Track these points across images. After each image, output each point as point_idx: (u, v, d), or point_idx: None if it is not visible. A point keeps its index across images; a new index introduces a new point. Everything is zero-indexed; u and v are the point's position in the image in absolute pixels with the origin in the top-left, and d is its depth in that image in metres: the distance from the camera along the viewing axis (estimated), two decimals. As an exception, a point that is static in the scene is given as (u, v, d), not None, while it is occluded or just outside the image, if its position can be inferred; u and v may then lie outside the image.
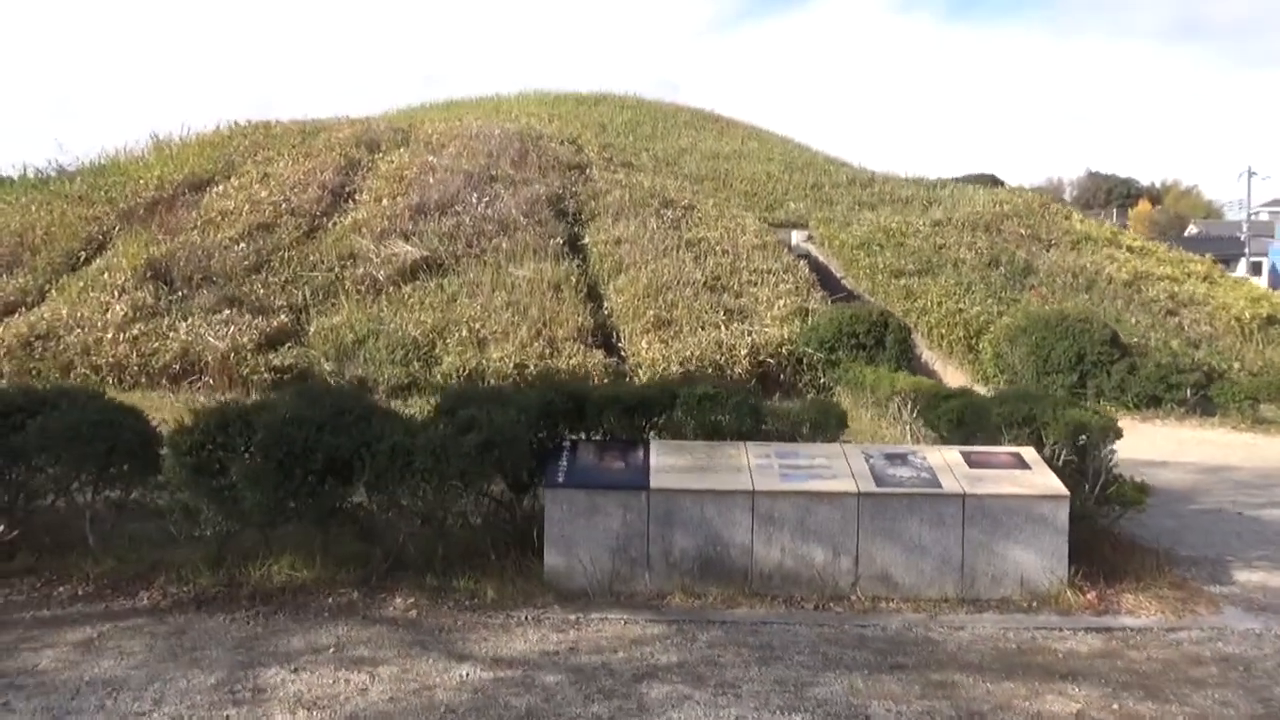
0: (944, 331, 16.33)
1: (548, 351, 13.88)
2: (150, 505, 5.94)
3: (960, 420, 7.13)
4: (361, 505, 5.31)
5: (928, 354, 15.99)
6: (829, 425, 5.98)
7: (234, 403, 5.58)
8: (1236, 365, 15.34)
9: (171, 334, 13.84)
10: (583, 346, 14.18)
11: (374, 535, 5.47)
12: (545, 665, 4.26)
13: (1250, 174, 67.17)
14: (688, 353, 13.82)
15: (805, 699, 3.93)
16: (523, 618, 4.87)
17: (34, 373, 13.76)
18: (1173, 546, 6.24)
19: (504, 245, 17.32)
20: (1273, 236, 62.04)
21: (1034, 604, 5.10)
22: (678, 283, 16.30)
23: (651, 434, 5.96)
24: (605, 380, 13.50)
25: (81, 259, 17.05)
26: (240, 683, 4.04)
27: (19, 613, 4.89)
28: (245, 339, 13.60)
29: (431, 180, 19.34)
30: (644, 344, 14.31)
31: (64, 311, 14.61)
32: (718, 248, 17.99)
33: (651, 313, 15.19)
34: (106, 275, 15.63)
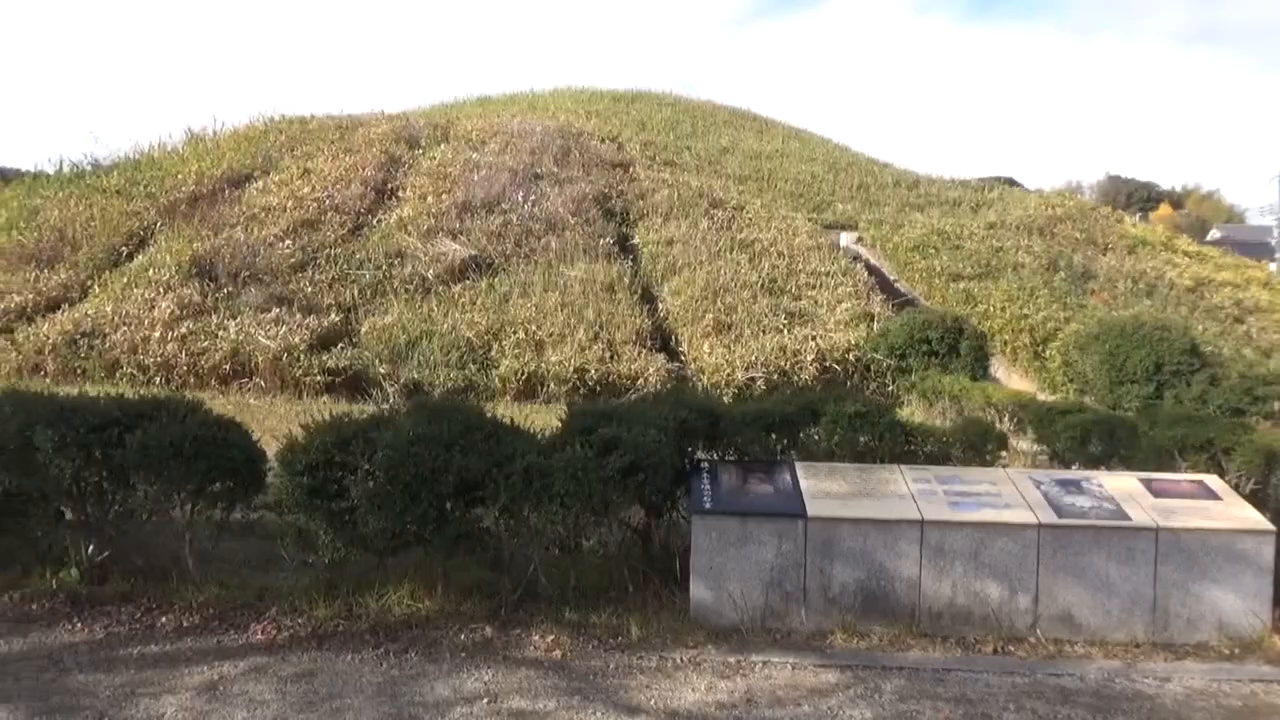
0: (1008, 338, 15.82)
1: (607, 355, 13.42)
2: (251, 525, 5.50)
3: (1084, 439, 6.65)
4: (487, 529, 4.85)
5: (990, 361, 15.46)
6: (986, 446, 5.50)
7: (347, 418, 5.12)
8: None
9: (221, 333, 13.45)
10: (643, 350, 13.73)
11: (499, 562, 5.02)
12: (724, 721, 3.81)
13: (1281, 178, 66.26)
14: (752, 358, 13.35)
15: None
16: (679, 660, 4.41)
17: (79, 371, 13.43)
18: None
19: (553, 245, 16.88)
20: (1294, 242, 61.25)
21: (1236, 651, 4.62)
22: (735, 285, 15.84)
23: (789, 454, 5.49)
24: (667, 386, 13.05)
25: (124, 255, 16.69)
26: (393, 739, 3.59)
27: (124, 648, 4.46)
28: (297, 339, 13.20)
29: (476, 177, 18.92)
30: (705, 348, 13.85)
31: (108, 308, 14.24)
32: (772, 250, 17.51)
33: (710, 316, 14.73)
34: (151, 272, 15.26)
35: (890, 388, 13.58)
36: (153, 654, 4.39)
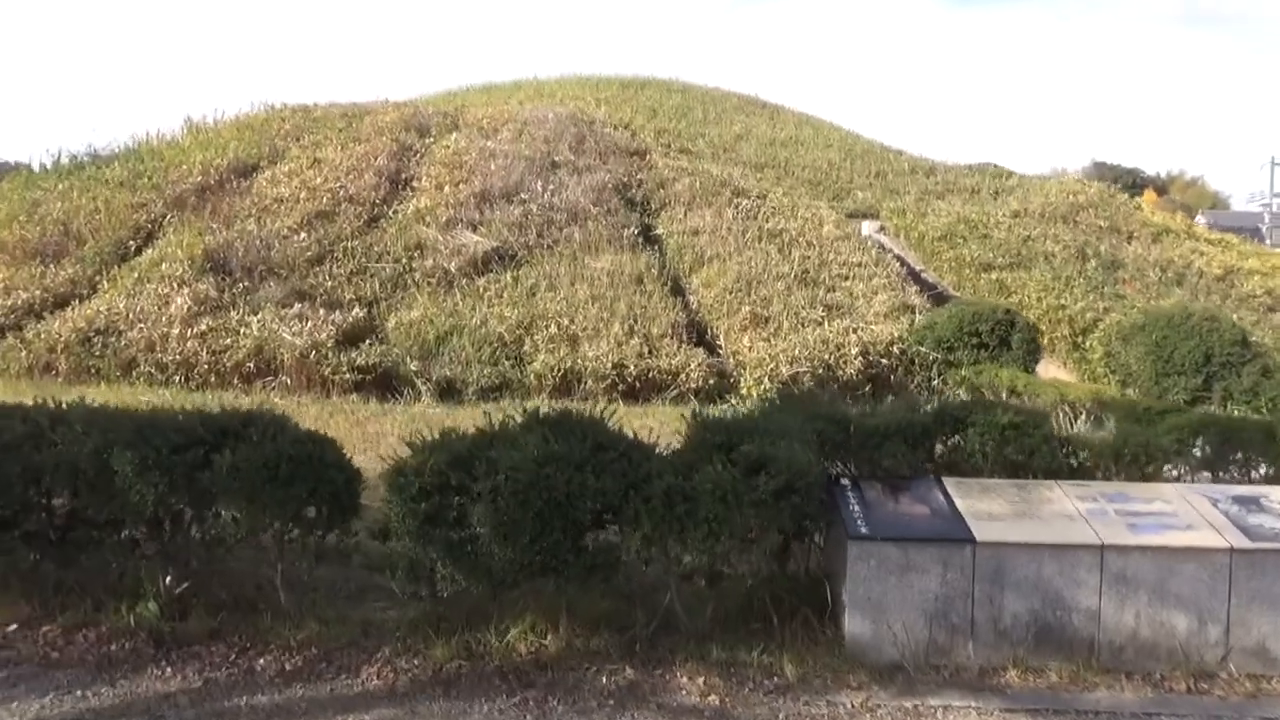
0: (1045, 329, 15.45)
1: (645, 350, 12.95)
2: (341, 550, 5.02)
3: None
4: (616, 557, 4.39)
5: (1041, 354, 15.11)
6: (1145, 459, 5.07)
7: (456, 434, 4.64)
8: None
9: (243, 330, 12.89)
10: (680, 345, 13.26)
11: (626, 590, 4.57)
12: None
13: (1274, 164, 66.58)
14: (795, 352, 12.90)
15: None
16: (850, 706, 3.98)
17: (93, 370, 12.87)
18: None
19: (576, 235, 16.37)
20: (1283, 227, 61.49)
21: None
22: (767, 276, 15.38)
23: (927, 469, 5.05)
24: (709, 382, 12.63)
25: (132, 249, 16.09)
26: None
27: (227, 698, 3.98)
28: (323, 335, 12.66)
29: (493, 166, 18.36)
30: (745, 342, 13.40)
31: (121, 305, 13.66)
32: (800, 240, 17.05)
33: (747, 308, 14.28)
34: (164, 266, 14.67)
35: (935, 381, 13.21)
36: (263, 706, 3.92)
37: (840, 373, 12.86)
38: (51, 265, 15.46)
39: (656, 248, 16.84)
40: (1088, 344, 14.99)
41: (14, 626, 4.59)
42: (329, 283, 14.61)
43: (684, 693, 4.06)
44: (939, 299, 16.30)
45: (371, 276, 14.99)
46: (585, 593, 4.55)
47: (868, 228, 19.90)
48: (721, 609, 4.56)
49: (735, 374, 12.92)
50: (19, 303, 14.21)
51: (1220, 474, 5.37)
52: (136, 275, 14.75)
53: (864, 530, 4.41)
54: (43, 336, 13.15)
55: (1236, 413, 11.43)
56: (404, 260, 15.36)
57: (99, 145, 21.49)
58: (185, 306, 13.39)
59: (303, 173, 18.25)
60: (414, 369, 12.30)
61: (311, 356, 12.25)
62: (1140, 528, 4.42)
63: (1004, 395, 11.46)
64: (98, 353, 12.88)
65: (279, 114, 22.85)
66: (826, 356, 12.97)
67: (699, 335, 14.07)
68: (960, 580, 4.33)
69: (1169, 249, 20.18)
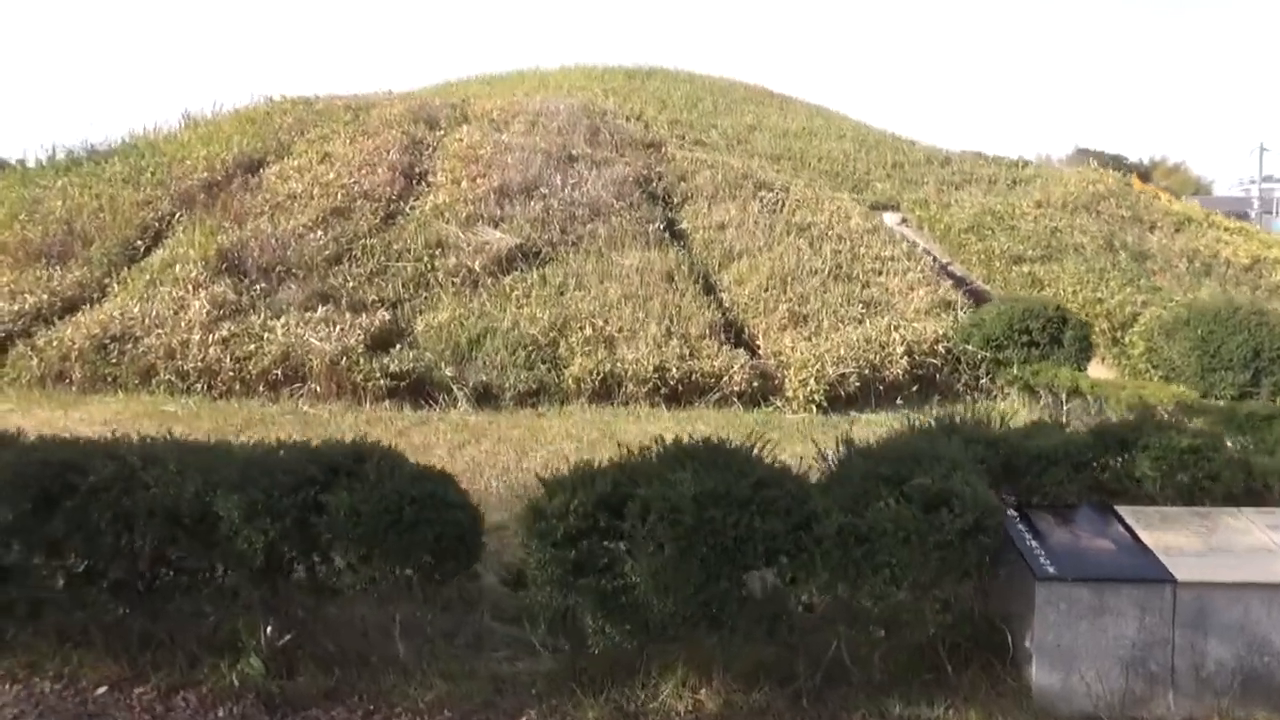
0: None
1: (686, 352, 12.53)
2: (469, 597, 4.57)
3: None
4: (786, 605, 3.97)
5: (1093, 352, 14.76)
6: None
7: (594, 468, 4.20)
8: None
9: (268, 334, 12.37)
10: (721, 345, 12.84)
11: (788, 638, 4.15)
12: None
13: (1263, 150, 66.95)
14: (840, 353, 12.50)
15: None
16: (1060, 770, 3.59)
17: (109, 379, 12.33)
18: None
19: (601, 231, 15.90)
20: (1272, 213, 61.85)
21: None
22: (801, 272, 14.98)
23: (1091, 496, 4.66)
24: (753, 385, 12.23)
25: (141, 249, 15.49)
26: None
27: (366, 773, 3.54)
28: (352, 340, 12.16)
29: (509, 160, 17.84)
30: (787, 342, 12.99)
31: (135, 309, 13.10)
32: (830, 234, 16.65)
33: (784, 306, 13.87)
34: (178, 268, 14.09)
35: (983, 381, 12.86)
36: (406, 782, 3.48)
37: (886, 374, 12.48)
38: (57, 267, 14.85)
39: (682, 243, 16.40)
40: (1127, 339, 14.66)
41: (103, 689, 4.14)
42: (350, 283, 14.09)
43: (875, 759, 3.66)
44: (972, 294, 15.95)
45: (393, 276, 14.48)
46: (740, 641, 4.13)
47: (889, 220, 19.53)
48: (890, 658, 4.15)
49: (779, 375, 12.50)
50: (26, 307, 13.61)
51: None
52: (148, 277, 14.17)
53: (1051, 570, 4.01)
54: (55, 344, 12.59)
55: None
56: (425, 259, 14.85)
57: (95, 141, 20.85)
58: (204, 310, 12.85)
59: (313, 168, 17.68)
60: (449, 375, 11.82)
61: (342, 363, 11.75)
62: (1351, 563, 4.05)
63: (1064, 397, 11.14)
64: (114, 360, 12.33)
65: (279, 107, 22.22)
66: (871, 356, 12.58)
67: (736, 335, 13.66)
68: (1159, 625, 3.95)
69: (1193, 239, 19.93)
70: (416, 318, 13.52)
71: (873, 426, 11.18)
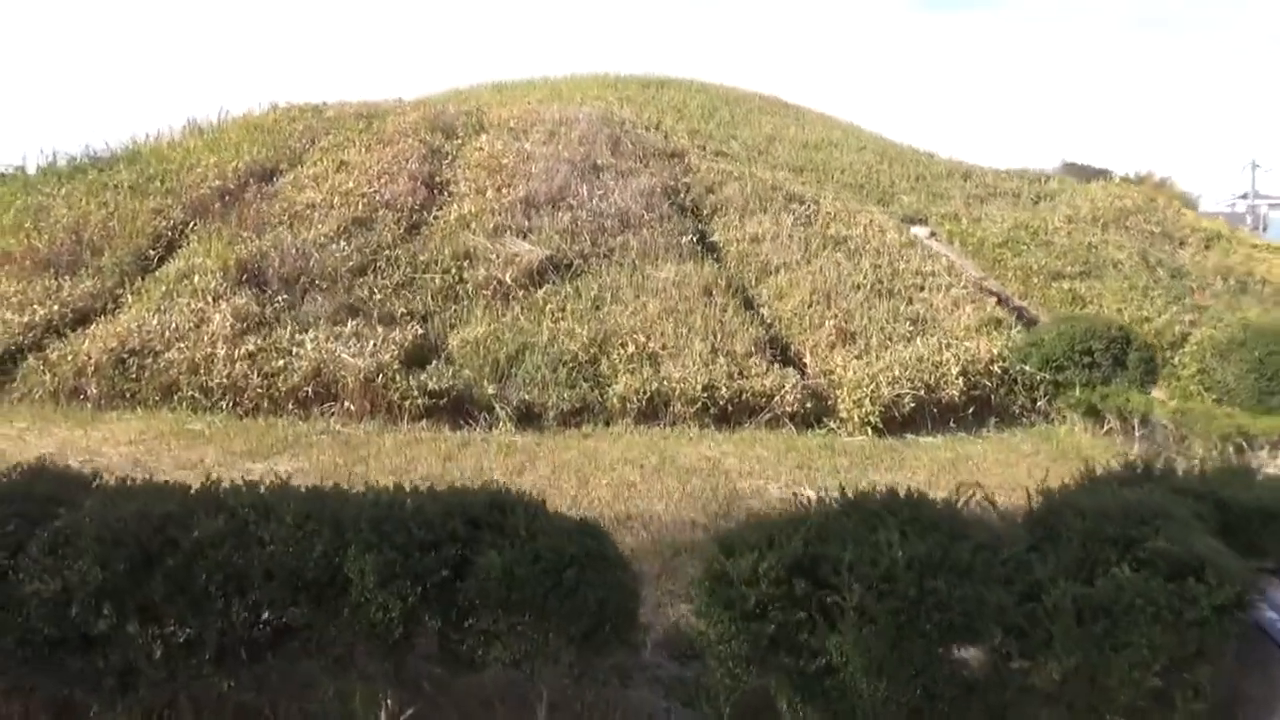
0: (1128, 342, 14.69)
1: (734, 370, 12.00)
2: (624, 669, 4.01)
3: None
4: (1026, 692, 3.44)
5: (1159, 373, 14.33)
6: None
7: (767, 520, 3.67)
8: None
9: (296, 350, 11.77)
10: (770, 364, 12.33)
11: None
12: None
13: (1255, 167, 67.34)
14: (895, 372, 12.02)
15: None
16: None
17: (127, 395, 11.71)
18: None
19: (632, 243, 15.39)
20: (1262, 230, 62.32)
21: None
22: (843, 287, 14.51)
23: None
24: (805, 405, 11.73)
25: (154, 259, 14.86)
26: None
27: None
28: (386, 356, 11.57)
29: (533, 170, 17.32)
30: (838, 360, 12.49)
31: (153, 321, 12.47)
32: (866, 247, 16.20)
33: (830, 323, 13.39)
34: (196, 279, 13.47)
35: (1039, 403, 12.40)
36: None
37: (942, 394, 12.00)
38: (66, 277, 14.20)
39: (714, 256, 15.91)
40: (1177, 359, 14.24)
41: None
42: (377, 296, 13.52)
43: None
44: (1013, 312, 15.52)
45: (420, 288, 13.92)
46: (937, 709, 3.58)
47: (918, 233, 19.11)
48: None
49: (831, 396, 12.00)
50: (36, 319, 12.96)
51: None
52: (164, 288, 13.54)
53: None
54: (69, 358, 11.95)
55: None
56: (453, 270, 14.29)
57: (98, 147, 20.17)
58: (227, 323, 12.24)
59: (329, 177, 17.12)
60: (491, 393, 11.26)
61: (378, 380, 11.16)
62: None
63: (1134, 421, 10.69)
64: (133, 375, 11.71)
65: (287, 114, 21.67)
66: (926, 376, 12.10)
67: (780, 352, 13.15)
68: None
69: (1224, 255, 19.61)
70: (449, 332, 12.96)
71: (936, 450, 10.72)
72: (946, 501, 3.78)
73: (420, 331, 12.64)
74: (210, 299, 12.95)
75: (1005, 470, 9.36)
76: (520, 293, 13.94)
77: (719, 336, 12.80)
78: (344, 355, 11.52)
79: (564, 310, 13.42)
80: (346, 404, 11.20)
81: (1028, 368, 12.18)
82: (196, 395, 11.45)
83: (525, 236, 15.36)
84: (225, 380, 11.42)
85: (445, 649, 3.61)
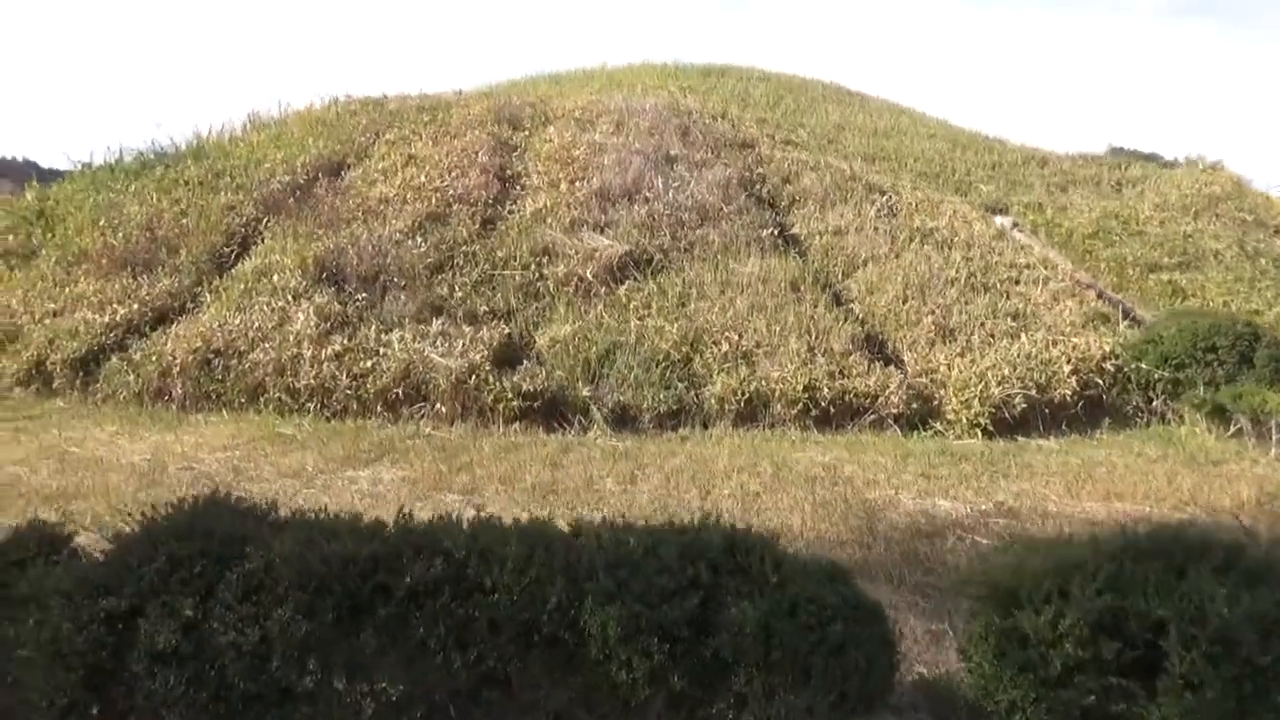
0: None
1: (835, 370, 11.51)
2: None
3: None
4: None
5: None
6: None
7: (1053, 562, 3.21)
8: None
9: (384, 350, 11.48)
10: (870, 363, 11.82)
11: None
12: None
13: (1321, 149, 65.11)
14: (1004, 371, 11.46)
15: None
16: None
17: (213, 396, 11.51)
18: None
19: (713, 237, 14.91)
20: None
21: None
22: (936, 281, 13.94)
23: None
24: (911, 407, 11.21)
25: (229, 256, 14.68)
26: None
27: None
28: (477, 356, 11.23)
29: (606, 161, 16.88)
30: (941, 359, 11.95)
31: (235, 321, 12.26)
32: (955, 240, 15.60)
33: (928, 319, 12.83)
34: (275, 277, 13.25)
35: (1155, 403, 11.78)
36: None
37: (1053, 394, 11.42)
38: (143, 276, 14.08)
39: (797, 249, 15.39)
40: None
41: None
42: (458, 294, 13.19)
43: None
44: (1112, 306, 14.85)
45: (499, 285, 13.57)
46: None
47: (1000, 224, 18.44)
48: None
49: (935, 396, 11.47)
50: (117, 319, 12.85)
51: None
52: (242, 286, 13.34)
53: None
54: (153, 358, 11.78)
55: None
56: (532, 267, 13.92)
57: (164, 143, 20.12)
58: (311, 323, 11.98)
59: (399, 171, 16.84)
60: (586, 394, 10.87)
61: (470, 381, 10.82)
62: None
63: (1272, 423, 10.06)
64: (218, 376, 11.50)
65: (348, 108, 21.47)
66: (1036, 375, 11.52)
67: (877, 350, 12.63)
68: None
69: (1323, 243, 18.70)
70: (532, 331, 12.59)
71: (1057, 454, 10.17)
72: (1238, 540, 3.30)
73: (505, 331, 12.29)
74: (290, 298, 12.73)
75: (1143, 480, 8.79)
76: (602, 289, 13.54)
77: (814, 334, 12.31)
78: (433, 356, 11.20)
79: (649, 307, 12.99)
80: (438, 406, 10.87)
81: (1144, 365, 11.55)
82: (283, 397, 11.21)
83: (603, 231, 14.94)
84: (313, 381, 11.16)
85: (688, 712, 3.20)
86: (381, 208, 15.34)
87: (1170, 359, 11.39)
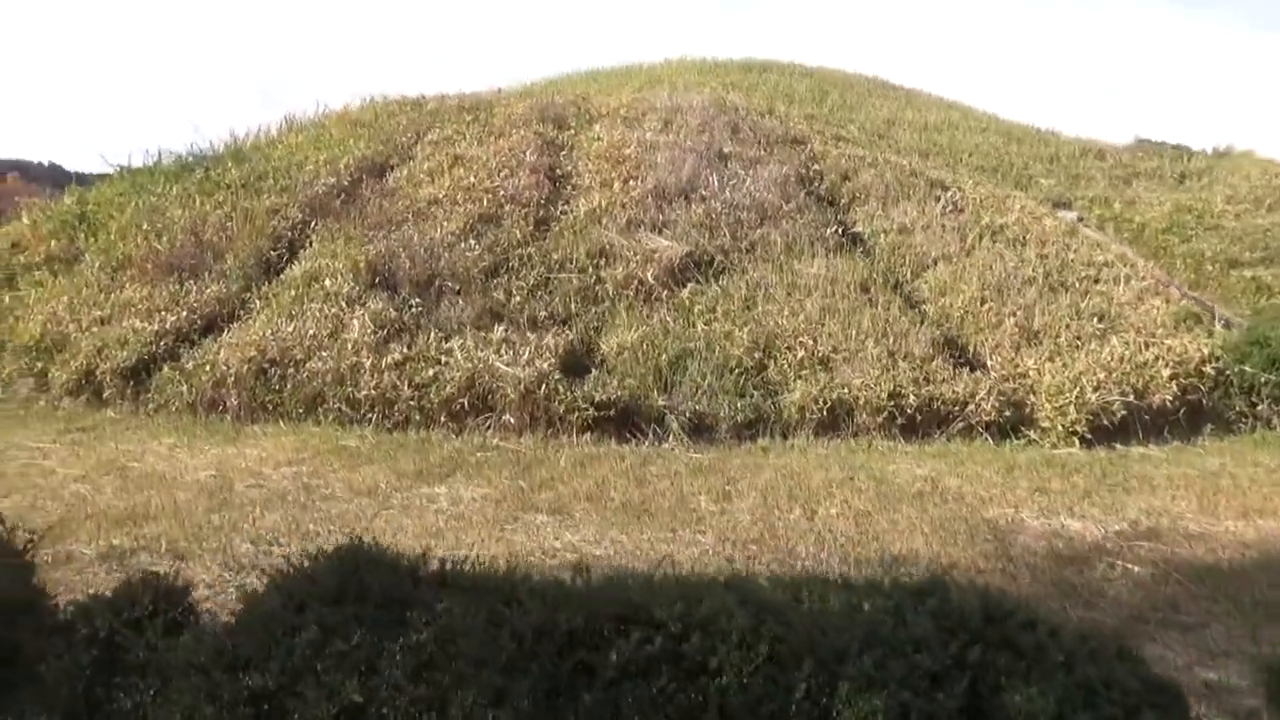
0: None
1: (919, 376, 10.93)
2: None
3: None
4: None
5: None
6: None
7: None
8: None
9: (446, 358, 11.00)
10: (955, 368, 11.24)
11: None
12: None
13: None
14: (1099, 376, 10.84)
15: None
16: None
17: (269, 407, 11.05)
18: None
19: (775, 237, 14.34)
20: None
21: None
22: (1014, 280, 13.32)
23: None
24: (1004, 415, 10.60)
25: (277, 260, 14.25)
26: None
27: None
28: (544, 365, 10.72)
29: (658, 160, 16.35)
30: (1029, 363, 11.34)
31: (289, 328, 11.81)
32: (1026, 236, 14.96)
33: (1010, 321, 12.22)
34: (326, 282, 12.81)
35: (1260, 408, 11.13)
36: None
37: (1152, 399, 10.79)
38: (190, 281, 13.67)
39: (861, 249, 14.80)
40: None
41: None
42: (515, 299, 12.70)
43: None
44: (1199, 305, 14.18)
45: (557, 289, 13.06)
46: None
47: (1065, 219, 17.77)
48: None
49: (1026, 402, 10.86)
50: (166, 327, 12.43)
51: None
52: (293, 292, 12.90)
53: None
54: (207, 368, 11.34)
55: None
56: (590, 269, 13.41)
57: (202, 145, 19.77)
58: (367, 330, 11.52)
59: (445, 171, 16.37)
60: (661, 404, 10.35)
61: (540, 391, 10.31)
62: None
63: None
64: (275, 386, 11.05)
65: (386, 108, 21.03)
66: (1133, 380, 10.90)
67: (958, 354, 12.03)
68: None
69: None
70: (596, 337, 12.08)
71: (1165, 464, 9.56)
72: None
73: (569, 337, 11.78)
74: (344, 304, 12.29)
75: (1277, 492, 8.18)
76: (663, 292, 13.01)
77: (891, 338, 11.73)
78: (498, 364, 10.70)
79: (714, 311, 12.45)
80: (505, 417, 10.37)
81: (1248, 369, 10.90)
82: (343, 408, 10.75)
83: (660, 231, 14.42)
84: (373, 392, 10.69)
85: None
86: (431, 209, 14.87)
87: (1277, 362, 10.73)
